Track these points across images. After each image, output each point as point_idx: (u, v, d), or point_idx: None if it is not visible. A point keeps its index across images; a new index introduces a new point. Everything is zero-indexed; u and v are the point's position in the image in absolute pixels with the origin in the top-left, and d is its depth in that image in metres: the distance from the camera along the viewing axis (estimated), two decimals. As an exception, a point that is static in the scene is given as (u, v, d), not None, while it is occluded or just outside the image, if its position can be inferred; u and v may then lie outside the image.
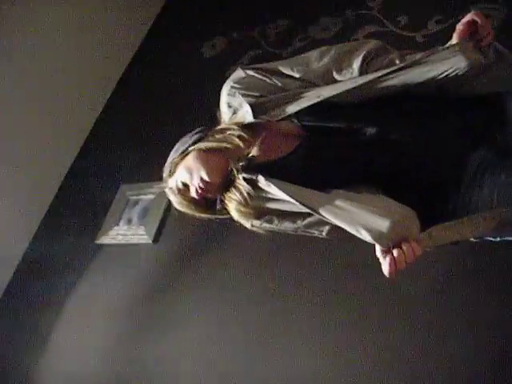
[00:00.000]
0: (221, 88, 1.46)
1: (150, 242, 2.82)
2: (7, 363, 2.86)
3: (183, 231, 2.74)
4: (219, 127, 1.42)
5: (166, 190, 1.43)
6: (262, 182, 1.28)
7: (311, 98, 1.33)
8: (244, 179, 1.31)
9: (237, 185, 1.32)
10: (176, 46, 3.75)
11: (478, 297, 1.86)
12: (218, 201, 1.38)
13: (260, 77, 1.40)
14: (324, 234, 1.31)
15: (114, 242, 2.97)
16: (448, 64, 1.28)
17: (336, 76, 1.37)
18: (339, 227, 1.27)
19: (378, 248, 1.19)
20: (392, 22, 2.78)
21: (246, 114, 1.36)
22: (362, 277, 2.07)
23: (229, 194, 1.34)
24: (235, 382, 2.19)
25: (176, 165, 1.39)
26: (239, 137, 1.34)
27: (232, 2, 3.75)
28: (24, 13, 3.29)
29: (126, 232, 2.96)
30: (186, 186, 1.37)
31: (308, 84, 1.39)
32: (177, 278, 2.65)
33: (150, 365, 2.44)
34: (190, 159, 1.36)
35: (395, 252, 1.15)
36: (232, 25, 3.58)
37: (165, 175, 1.42)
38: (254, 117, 1.34)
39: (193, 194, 1.36)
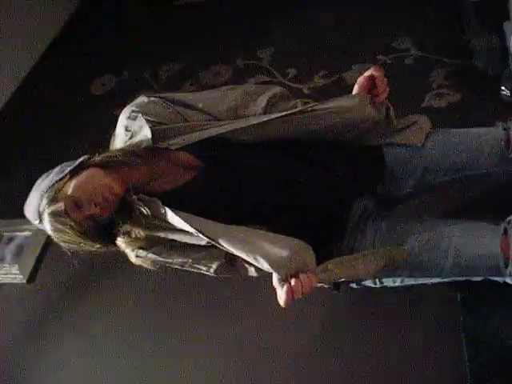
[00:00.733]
0: (109, 126, 1.43)
1: (25, 281, 2.62)
2: None
3: (61, 271, 2.57)
4: (114, 147, 1.38)
5: (45, 216, 1.26)
6: (159, 207, 1.25)
7: (212, 131, 1.34)
8: (139, 203, 1.27)
9: (135, 207, 1.27)
10: (64, 81, 3.67)
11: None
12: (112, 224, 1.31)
13: (164, 104, 1.40)
14: (211, 271, 1.30)
15: (-17, 281, 2.73)
16: (345, 113, 1.37)
17: (240, 113, 1.41)
18: (227, 266, 1.28)
19: (274, 277, 1.20)
20: (281, 73, 2.92)
21: (145, 138, 1.33)
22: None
23: (122, 217, 1.29)
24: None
25: (59, 189, 1.26)
26: (138, 154, 1.32)
27: (123, 42, 3.75)
28: None
29: (-2, 271, 2.74)
30: (77, 206, 1.26)
31: (210, 118, 1.41)
32: (51, 320, 2.48)
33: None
34: (84, 176, 1.28)
35: (293, 281, 1.16)
36: (124, 64, 3.57)
37: (44, 203, 1.26)
38: (153, 142, 1.32)
39: (91, 210, 1.26)
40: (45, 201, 1.26)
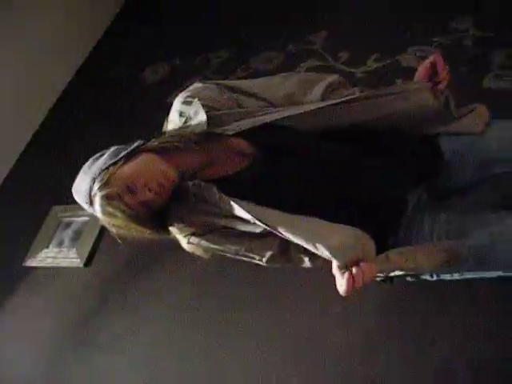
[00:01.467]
0: (161, 114, 1.42)
1: (82, 265, 2.71)
2: None
3: (116, 256, 2.65)
4: (170, 130, 1.36)
5: (97, 200, 1.23)
6: (215, 194, 1.22)
7: (266, 117, 1.31)
8: (195, 189, 1.25)
9: (189, 193, 1.25)
10: (118, 70, 3.73)
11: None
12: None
13: (219, 90, 1.38)
14: (264, 260, 1.27)
15: (42, 264, 2.82)
16: (407, 100, 1.32)
17: (297, 100, 1.38)
18: (280, 256, 1.25)
19: (334, 265, 1.17)
20: (333, 57, 2.87)
21: (200, 123, 1.31)
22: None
23: (176, 203, 1.27)
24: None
25: (113, 173, 1.23)
26: (193, 140, 1.29)
27: (175, 30, 3.78)
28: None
29: (57, 255, 2.82)
30: (131, 191, 1.23)
31: (266, 104, 1.39)
32: (107, 303, 2.55)
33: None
34: (140, 161, 1.25)
35: (354, 269, 1.12)
36: (176, 51, 3.60)
37: (97, 187, 1.23)
38: (209, 127, 1.30)
39: (145, 196, 1.23)
40: (97, 184, 1.22)
